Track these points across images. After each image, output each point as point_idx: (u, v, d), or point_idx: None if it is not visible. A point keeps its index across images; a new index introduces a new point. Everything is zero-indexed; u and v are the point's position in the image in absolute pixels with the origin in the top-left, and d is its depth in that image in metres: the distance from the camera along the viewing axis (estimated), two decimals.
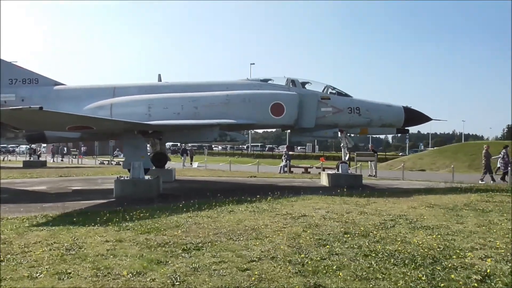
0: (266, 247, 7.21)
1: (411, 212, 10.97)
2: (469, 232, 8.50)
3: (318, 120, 17.53)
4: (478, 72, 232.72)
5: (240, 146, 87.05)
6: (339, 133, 18.44)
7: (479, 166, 28.26)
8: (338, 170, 18.94)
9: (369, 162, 24.64)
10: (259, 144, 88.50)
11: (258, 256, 6.64)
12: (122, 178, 14.56)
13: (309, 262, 6.30)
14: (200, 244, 7.39)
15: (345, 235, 8.15)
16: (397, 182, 20.55)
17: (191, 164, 37.41)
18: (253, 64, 57.91)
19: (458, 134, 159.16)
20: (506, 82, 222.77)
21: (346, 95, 18.20)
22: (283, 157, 29.34)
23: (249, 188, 17.04)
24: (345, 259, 6.48)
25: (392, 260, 6.41)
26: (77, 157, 44.57)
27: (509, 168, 21.09)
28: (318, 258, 6.53)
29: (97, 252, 6.93)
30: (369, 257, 6.62)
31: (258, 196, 13.25)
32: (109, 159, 42.33)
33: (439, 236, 8.12)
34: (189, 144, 38.10)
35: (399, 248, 7.07)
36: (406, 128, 18.94)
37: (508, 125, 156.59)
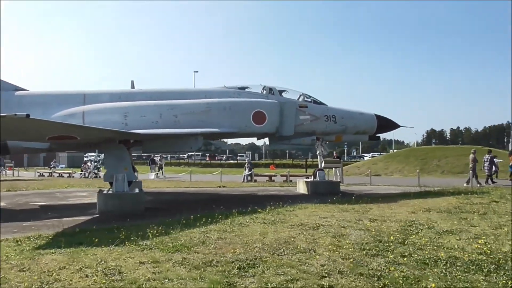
0: (320, 261, 6.93)
1: (415, 217, 11.20)
2: (493, 234, 8.82)
3: (296, 128, 17.54)
4: (401, 78, 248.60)
5: (181, 155, 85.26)
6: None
7: (431, 169, 30.10)
8: (315, 177, 19.05)
9: (333, 168, 25.12)
10: (200, 153, 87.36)
11: (325, 271, 6.36)
12: (105, 192, 13.46)
13: (383, 275, 6.13)
14: (250, 262, 6.93)
15: (381, 243, 8.11)
16: (368, 188, 21.12)
17: (162, 175, 35.29)
18: (197, 72, 56.78)
19: (384, 139, 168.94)
20: (423, 89, 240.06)
21: (321, 103, 18.43)
22: (245, 166, 29.05)
23: (231, 199, 16.64)
24: (410, 268, 6.41)
25: (470, 267, 6.44)
26: (6, 169, 40.89)
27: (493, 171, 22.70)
28: (384, 269, 6.39)
29: (144, 276, 6.26)
30: (430, 265, 6.60)
31: (249, 207, 12.89)
32: (50, 171, 39.31)
33: (470, 239, 8.34)
34: (158, 155, 36.03)
35: (457, 255, 7.12)
36: (377, 135, 19.57)
37: (427, 130, 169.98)
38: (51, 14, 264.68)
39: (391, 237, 8.58)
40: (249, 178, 27.79)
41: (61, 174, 36.35)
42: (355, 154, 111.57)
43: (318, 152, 19.11)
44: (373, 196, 16.95)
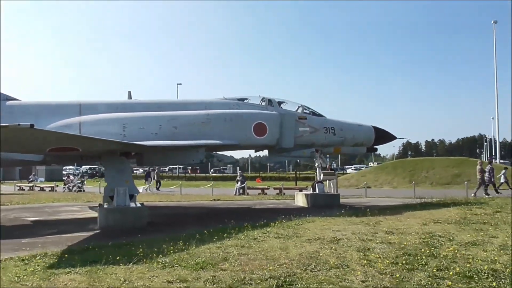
0: (359, 277, 6.64)
1: (429, 229, 11.04)
2: None
3: (296, 140, 17.36)
4: (377, 91, 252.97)
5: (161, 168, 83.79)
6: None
7: (419, 181, 30.34)
8: (314, 190, 18.84)
9: (327, 181, 24.97)
10: (181, 166, 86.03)
11: (372, 285, 6.09)
12: (107, 206, 12.86)
13: None
14: (286, 279, 6.58)
15: (411, 256, 7.87)
16: (365, 200, 21.04)
17: (157, 188, 33.72)
18: (180, 84, 56.17)
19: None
20: (398, 103, 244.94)
21: (320, 115, 18.34)
22: (237, 179, 28.61)
23: (231, 213, 16.21)
24: (455, 282, 6.20)
25: None
26: None
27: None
28: (429, 284, 6.16)
29: None
30: (474, 278, 6.41)
31: (255, 221, 12.53)
32: (31, 184, 37.90)
33: (497, 251, 8.22)
34: (156, 167, 34.81)
35: (495, 267, 6.95)
36: (374, 146, 19.57)
37: (403, 143, 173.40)
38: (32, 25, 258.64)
39: (418, 250, 8.38)
40: (241, 191, 27.38)
41: (42, 188, 35.04)
42: (335, 166, 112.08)
43: (317, 164, 18.96)
44: (375, 208, 16.73)
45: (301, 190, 25.80)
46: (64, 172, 62.73)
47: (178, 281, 6.62)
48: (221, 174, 57.12)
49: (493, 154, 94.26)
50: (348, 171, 66.97)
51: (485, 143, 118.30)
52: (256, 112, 16.52)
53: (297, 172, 44.20)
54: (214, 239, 9.81)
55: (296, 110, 17.94)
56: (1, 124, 9.08)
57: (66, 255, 8.48)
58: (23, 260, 8.18)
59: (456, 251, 8.25)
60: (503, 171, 26.46)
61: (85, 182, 35.59)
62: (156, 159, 15.10)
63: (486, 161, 24.91)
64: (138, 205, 13.26)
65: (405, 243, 9.09)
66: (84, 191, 32.50)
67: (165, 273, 7.05)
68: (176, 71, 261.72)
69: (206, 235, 10.27)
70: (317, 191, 18.67)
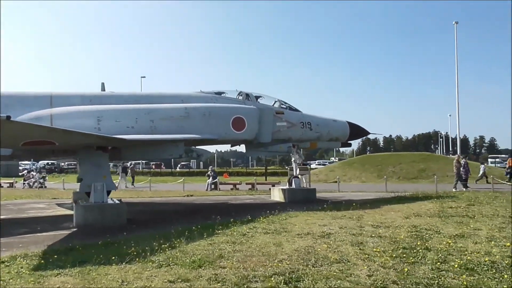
0: (363, 271, 6.61)
1: (412, 222, 11.23)
2: (503, 237, 9.00)
3: (274, 135, 17.27)
4: (336, 87, 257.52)
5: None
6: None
7: (387, 175, 31.04)
8: (291, 184, 18.83)
9: (300, 175, 25.05)
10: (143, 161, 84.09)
11: (379, 282, 6.08)
12: (84, 204, 12.25)
13: (441, 283, 5.94)
14: (291, 275, 6.45)
15: (407, 250, 7.95)
16: (340, 194, 21.26)
17: (132, 185, 32.03)
18: (144, 77, 54.63)
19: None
20: (357, 99, 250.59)
21: (296, 110, 18.32)
22: (208, 174, 28.16)
23: (210, 209, 16.00)
24: (460, 275, 6.28)
25: None
26: None
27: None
28: (436, 277, 6.21)
29: None
30: (476, 270, 6.52)
31: (237, 216, 12.42)
32: None
33: (487, 243, 8.46)
34: (132, 162, 33.17)
35: (493, 259, 7.11)
36: (349, 142, 19.79)
37: (362, 139, 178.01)
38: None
39: (411, 244, 8.47)
40: (212, 186, 27.00)
41: (0, 184, 33.14)
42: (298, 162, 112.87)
43: (293, 159, 18.97)
44: (352, 202, 16.83)
45: (273, 185, 25.90)
46: (20, 168, 59.86)
47: (179, 280, 6.35)
48: (188, 170, 56.30)
49: (451, 149, 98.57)
50: (312, 166, 67.69)
51: (440, 139, 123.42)
52: (235, 106, 16.27)
53: (254, 168, 44.14)
54: (204, 236, 9.55)
55: (273, 105, 17.83)
56: None
57: (50, 256, 7.99)
58: (3, 262, 7.62)
59: (448, 244, 8.41)
60: (482, 165, 27.63)
61: (46, 178, 34.01)
62: (134, 154, 14.57)
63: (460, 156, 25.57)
64: (116, 201, 12.72)
65: (396, 237, 9.19)
66: (45, 187, 31.07)
67: (163, 272, 6.75)
68: (139, 63, 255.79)
69: (194, 231, 9.99)
70: (293, 186, 18.67)
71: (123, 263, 7.24)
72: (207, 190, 26.50)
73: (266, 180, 30.73)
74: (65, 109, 14.05)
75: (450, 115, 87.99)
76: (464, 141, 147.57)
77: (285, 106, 18.05)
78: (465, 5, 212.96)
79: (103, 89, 16.37)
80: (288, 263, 7.20)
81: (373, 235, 9.49)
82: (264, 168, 52.82)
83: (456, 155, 25.06)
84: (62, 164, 68.37)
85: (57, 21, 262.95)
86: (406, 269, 6.52)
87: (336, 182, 30.43)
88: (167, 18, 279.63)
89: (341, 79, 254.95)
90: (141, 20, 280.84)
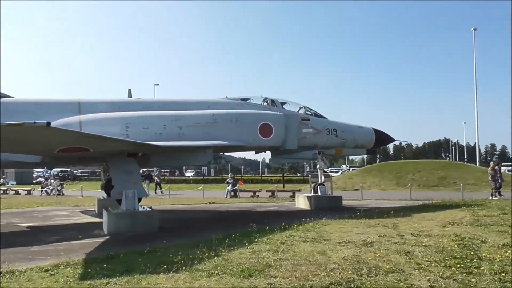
0: (422, 282, 6.38)
1: (452, 230, 10.95)
2: None
3: (299, 141, 17.08)
4: (345, 95, 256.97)
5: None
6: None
7: (406, 183, 30.68)
8: (315, 192, 18.60)
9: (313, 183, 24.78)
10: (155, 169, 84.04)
11: None
12: (115, 211, 12.12)
13: None
14: (347, 285, 6.26)
15: (460, 259, 7.68)
16: (365, 202, 20.95)
17: (156, 192, 31.52)
18: (158, 85, 54.79)
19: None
20: (366, 108, 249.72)
21: (321, 116, 18.14)
22: (228, 181, 28.00)
23: (238, 216, 15.89)
24: None
25: None
26: None
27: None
28: None
29: None
30: None
31: (271, 224, 12.26)
32: (4, 188, 35.97)
33: None
34: (157, 169, 32.73)
35: None
36: (374, 149, 19.55)
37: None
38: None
39: (461, 253, 8.21)
40: (232, 193, 26.82)
41: (17, 191, 33.28)
42: (308, 170, 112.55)
43: (318, 166, 18.75)
44: (380, 210, 16.65)
45: (293, 193, 25.66)
46: (34, 175, 60.27)
47: None
48: (202, 177, 56.17)
49: (466, 158, 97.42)
50: (310, 174, 67.14)
51: (453, 147, 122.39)
52: (262, 113, 16.12)
53: (265, 175, 43.77)
54: (245, 244, 9.36)
55: (298, 111, 17.67)
56: (16, 122, 8.37)
57: (91, 264, 7.85)
58: (46, 270, 7.49)
59: (499, 254, 8.14)
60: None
61: (64, 186, 34.07)
62: (163, 160, 14.44)
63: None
64: (148, 209, 12.58)
65: (441, 246, 8.94)
66: (63, 194, 31.10)
67: (214, 282, 6.57)
68: (152, 71, 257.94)
69: (233, 239, 9.79)
70: (319, 193, 18.43)
71: (171, 272, 7.07)
72: (226, 197, 26.31)
73: (283, 187, 30.45)
74: (93, 116, 14.00)
75: (465, 123, 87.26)
76: (474, 149, 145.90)
77: (310, 113, 17.89)
78: (480, 7, 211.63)
79: (130, 95, 16.34)
80: (340, 272, 6.98)
81: (417, 244, 9.23)
82: (279, 175, 52.61)
83: (491, 163, 24.27)
84: (75, 171, 68.85)
85: (57, 22, 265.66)
86: (473, 280, 6.27)
87: (356, 189, 30.26)
88: (172, 20, 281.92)
89: (350, 83, 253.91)
90: (147, 22, 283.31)
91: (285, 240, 9.92)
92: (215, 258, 8.09)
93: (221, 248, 8.84)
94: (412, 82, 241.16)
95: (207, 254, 8.30)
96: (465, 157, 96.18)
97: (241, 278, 6.73)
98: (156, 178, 32.23)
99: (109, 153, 12.36)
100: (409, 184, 25.19)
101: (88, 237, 11.50)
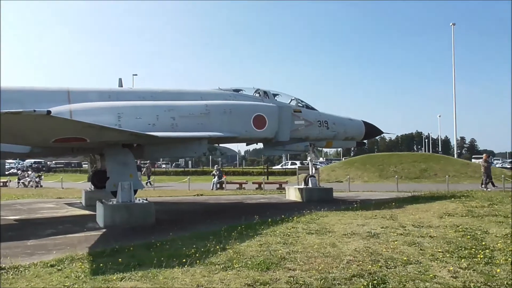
0: (443, 273, 6.41)
1: (451, 221, 11.10)
2: None
3: (291, 133, 16.99)
4: (317, 88, 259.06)
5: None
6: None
7: (389, 175, 31.16)
8: (306, 184, 18.60)
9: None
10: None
11: (469, 281, 5.87)
12: (111, 203, 11.76)
13: None
14: (370, 277, 6.21)
15: (468, 250, 7.78)
16: (353, 194, 21.12)
17: (147, 184, 30.35)
18: (136, 75, 53.23)
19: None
20: (341, 101, 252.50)
21: (312, 108, 18.10)
22: (214, 173, 27.71)
23: (230, 208, 15.77)
24: None
25: None
26: None
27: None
28: None
29: None
30: None
31: (264, 216, 12.17)
32: None
33: None
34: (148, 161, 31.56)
35: None
36: (363, 141, 19.69)
37: None
38: None
39: (469, 244, 8.31)
40: (218, 186, 26.58)
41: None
42: (284, 162, 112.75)
43: (309, 158, 18.75)
44: (373, 202, 16.65)
45: (280, 185, 25.67)
46: (6, 166, 58.31)
47: (258, 283, 6.03)
48: (182, 169, 55.58)
49: (440, 150, 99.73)
50: (297, 166, 67.58)
51: (426, 140, 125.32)
52: (256, 104, 15.94)
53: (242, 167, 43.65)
54: (253, 236, 9.24)
55: (289, 103, 17.57)
56: (14, 111, 7.97)
57: (100, 258, 7.57)
58: (52, 265, 7.18)
59: (505, 243, 8.28)
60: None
61: (42, 177, 33.04)
62: (157, 152, 14.07)
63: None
64: (144, 201, 12.27)
65: (447, 237, 9.04)
66: (41, 186, 30.18)
67: (233, 275, 6.42)
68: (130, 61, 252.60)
69: (239, 231, 9.65)
70: (310, 185, 18.44)
71: (185, 266, 6.88)
72: (212, 189, 26.07)
73: (267, 179, 30.43)
74: (84, 105, 13.48)
75: (439, 116, 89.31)
76: (446, 141, 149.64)
77: (301, 105, 17.81)
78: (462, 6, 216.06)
79: (120, 84, 15.86)
80: (358, 264, 6.95)
81: (422, 235, 9.30)
82: (259, 167, 52.67)
83: (484, 155, 24.86)
84: (50, 163, 66.95)
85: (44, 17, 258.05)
86: (498, 270, 6.32)
87: (340, 181, 30.54)
88: (157, 13, 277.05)
89: (331, 74, 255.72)
90: (131, 16, 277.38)
91: (290, 232, 9.83)
92: (226, 251, 7.93)
93: (229, 241, 8.69)
94: (388, 75, 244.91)
95: (217, 247, 8.13)
96: (440, 150, 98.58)
97: (259, 271, 6.61)
98: (145, 169, 31.27)
99: (105, 143, 11.94)
100: (396, 177, 25.54)
101: (84, 230, 11.15)
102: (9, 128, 9.03)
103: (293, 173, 39.59)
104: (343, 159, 79.85)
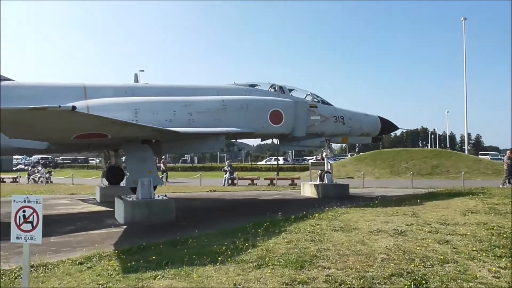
0: (483, 273, 6.26)
1: (476, 219, 10.86)
2: None
3: (307, 129, 16.81)
4: (317, 84, 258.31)
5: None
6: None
7: (400, 172, 30.91)
8: (322, 180, 18.43)
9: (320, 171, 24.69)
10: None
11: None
12: (132, 199, 11.65)
13: None
14: (410, 276, 6.07)
15: (502, 249, 7.61)
16: (368, 190, 20.92)
17: (166, 180, 29.05)
18: (143, 71, 52.67)
19: None
20: (342, 98, 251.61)
21: (328, 103, 17.90)
22: (225, 169, 27.57)
23: (249, 204, 15.75)
24: None
25: None
26: None
27: None
28: None
29: None
30: None
31: (285, 212, 12.02)
32: None
33: None
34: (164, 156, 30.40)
35: None
36: (378, 136, 19.47)
37: None
38: None
39: (501, 243, 8.13)
40: (229, 182, 26.44)
41: (2, 179, 32.03)
42: (290, 158, 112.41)
43: (324, 154, 18.55)
44: (390, 198, 16.49)
45: (293, 181, 25.51)
46: (14, 162, 58.48)
47: (296, 282, 5.91)
48: (190, 165, 55.53)
49: (442, 145, 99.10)
50: (310, 161, 67.42)
51: (432, 136, 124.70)
52: (272, 99, 15.75)
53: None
54: (277, 233, 9.10)
55: (305, 98, 17.38)
56: (40, 106, 7.85)
57: (128, 256, 7.47)
58: (80, 263, 7.09)
59: None
60: None
61: (52, 173, 33.02)
62: (175, 148, 13.94)
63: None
64: (164, 197, 12.15)
65: (478, 235, 8.86)
66: (51, 182, 30.16)
67: (268, 274, 6.29)
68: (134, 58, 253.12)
69: (266, 228, 9.51)
70: (325, 181, 18.27)
71: (217, 264, 6.75)
72: (224, 185, 25.94)
73: (278, 175, 30.26)
74: (101, 101, 13.38)
75: (448, 112, 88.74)
76: (451, 138, 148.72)
77: (317, 100, 17.61)
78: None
79: (136, 80, 15.73)
80: (394, 263, 6.79)
81: (450, 233, 9.11)
82: (265, 164, 52.58)
83: (508, 152, 23.95)
84: (57, 158, 67.08)
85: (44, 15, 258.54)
86: None
87: (350, 177, 30.35)
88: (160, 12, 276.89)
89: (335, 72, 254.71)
90: (132, 14, 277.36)
91: (314, 229, 9.67)
92: (256, 248, 7.80)
93: (256, 238, 8.55)
94: (395, 72, 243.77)
95: (246, 244, 8.00)
96: (448, 146, 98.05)
97: (294, 270, 6.47)
98: (162, 165, 30.27)
99: (124, 139, 11.82)
100: (412, 173, 25.30)
101: (104, 227, 11.05)
102: (32, 124, 8.94)
103: (281, 169, 39.36)
104: (348, 155, 79.60)
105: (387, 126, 18.98)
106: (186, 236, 9.02)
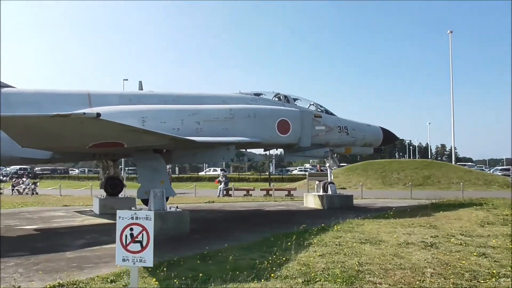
0: None
1: (496, 231, 10.86)
2: None
3: (312, 139, 16.60)
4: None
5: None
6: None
7: (392, 182, 31.05)
8: (326, 191, 18.22)
9: (318, 181, 24.49)
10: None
11: None
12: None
13: None
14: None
15: None
16: (369, 201, 20.79)
17: None
18: (126, 80, 51.40)
19: None
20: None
21: (331, 113, 17.78)
22: (220, 180, 27.04)
23: (257, 216, 15.45)
24: None
25: None
26: None
27: None
28: None
29: None
30: None
31: (299, 225, 11.67)
32: None
33: None
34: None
35: None
36: (379, 147, 19.45)
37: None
38: None
39: None
40: (224, 192, 25.94)
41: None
42: (272, 169, 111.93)
43: (328, 164, 18.36)
44: (398, 209, 16.22)
45: (289, 192, 25.21)
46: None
47: None
48: (178, 175, 54.66)
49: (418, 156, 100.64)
50: (294, 172, 67.51)
51: (411, 147, 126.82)
52: (280, 109, 15.51)
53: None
54: (303, 246, 8.80)
55: (308, 108, 17.21)
56: (63, 113, 7.41)
57: (160, 272, 7.00)
58: (112, 281, 6.63)
59: None
60: None
61: (38, 184, 31.79)
62: (184, 157, 13.49)
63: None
64: (177, 209, 11.66)
65: (497, 246, 8.77)
66: (37, 193, 29.03)
67: None
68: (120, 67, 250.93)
69: (289, 240, 9.18)
70: (329, 192, 18.06)
71: (262, 280, 6.39)
72: (219, 196, 25.42)
73: (269, 185, 29.93)
74: (108, 109, 12.85)
75: (429, 123, 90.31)
76: (427, 148, 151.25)
77: (321, 109, 17.47)
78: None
79: (140, 87, 15.25)
80: (442, 277, 6.56)
81: (481, 245, 9.00)
82: (249, 173, 52.27)
83: None
84: (36, 169, 65.03)
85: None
86: None
87: (343, 188, 30.21)
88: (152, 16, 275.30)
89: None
90: (126, 18, 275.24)
91: (340, 242, 9.43)
92: (290, 262, 7.47)
93: (285, 252, 8.22)
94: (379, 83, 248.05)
95: (282, 258, 7.65)
96: (429, 157, 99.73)
97: (345, 285, 6.17)
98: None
99: (138, 148, 11.34)
100: (409, 184, 25.38)
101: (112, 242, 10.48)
102: (50, 131, 8.43)
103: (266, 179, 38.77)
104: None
105: (388, 136, 18.97)
106: (214, 249, 8.60)
